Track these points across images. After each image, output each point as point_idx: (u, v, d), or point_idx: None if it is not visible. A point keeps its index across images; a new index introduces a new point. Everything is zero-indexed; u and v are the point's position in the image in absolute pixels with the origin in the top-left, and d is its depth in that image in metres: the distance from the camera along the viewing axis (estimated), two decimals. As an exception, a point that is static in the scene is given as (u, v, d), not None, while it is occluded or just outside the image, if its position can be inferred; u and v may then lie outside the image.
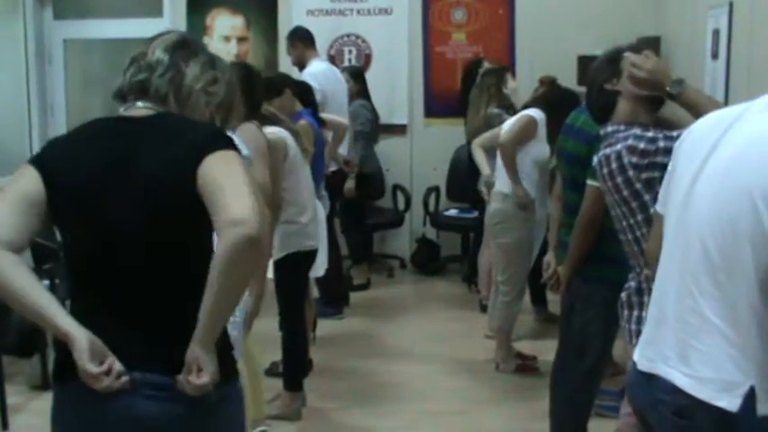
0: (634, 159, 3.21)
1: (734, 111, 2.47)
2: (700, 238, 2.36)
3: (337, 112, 7.23)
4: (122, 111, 2.65)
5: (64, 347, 2.41)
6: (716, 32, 6.46)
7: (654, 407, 2.47)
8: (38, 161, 2.53)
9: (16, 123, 8.63)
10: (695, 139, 2.52)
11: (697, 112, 3.09)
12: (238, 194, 2.37)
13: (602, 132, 3.46)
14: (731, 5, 6.13)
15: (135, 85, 2.65)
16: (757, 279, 2.25)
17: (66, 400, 2.55)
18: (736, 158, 2.32)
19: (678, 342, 2.41)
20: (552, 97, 6.26)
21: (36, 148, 8.74)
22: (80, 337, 2.37)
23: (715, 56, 6.44)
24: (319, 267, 6.03)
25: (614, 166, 3.30)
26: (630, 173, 3.23)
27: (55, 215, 2.49)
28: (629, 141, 3.24)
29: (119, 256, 2.48)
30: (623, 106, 3.40)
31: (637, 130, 3.25)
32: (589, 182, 3.99)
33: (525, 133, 6.03)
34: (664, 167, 3.03)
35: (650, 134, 3.20)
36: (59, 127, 9.24)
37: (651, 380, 2.49)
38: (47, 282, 6.07)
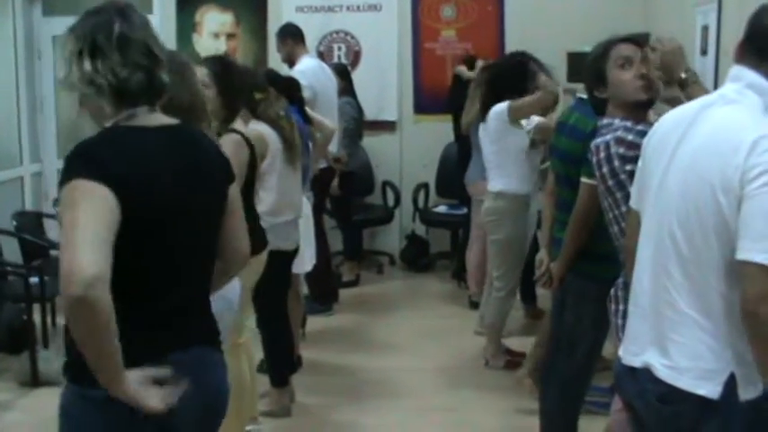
0: (621, 150, 3.26)
1: (694, 106, 2.58)
2: (669, 231, 2.45)
3: (327, 108, 7.21)
4: (141, 117, 2.54)
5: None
6: (705, 28, 6.47)
7: (640, 395, 2.55)
8: (107, 178, 2.33)
9: (5, 119, 8.60)
10: (661, 135, 2.61)
11: None
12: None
13: (598, 124, 3.51)
14: (720, 1, 6.15)
15: (161, 90, 2.60)
16: (724, 268, 2.32)
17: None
18: (698, 152, 2.41)
19: (657, 335, 2.49)
20: (492, 79, 6.36)
21: (26, 145, 8.74)
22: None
23: (704, 52, 6.45)
24: (307, 263, 6.03)
25: (602, 155, 3.34)
26: (616, 163, 3.27)
27: (122, 234, 2.34)
28: (619, 133, 3.30)
29: (182, 266, 2.62)
30: (611, 110, 3.49)
31: (628, 123, 3.30)
32: (583, 179, 3.99)
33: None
34: None
35: (640, 127, 3.23)
36: (48, 123, 9.21)
37: (635, 372, 2.56)
38: (36, 278, 6.07)
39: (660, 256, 2.49)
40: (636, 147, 3.18)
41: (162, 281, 2.56)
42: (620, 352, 2.68)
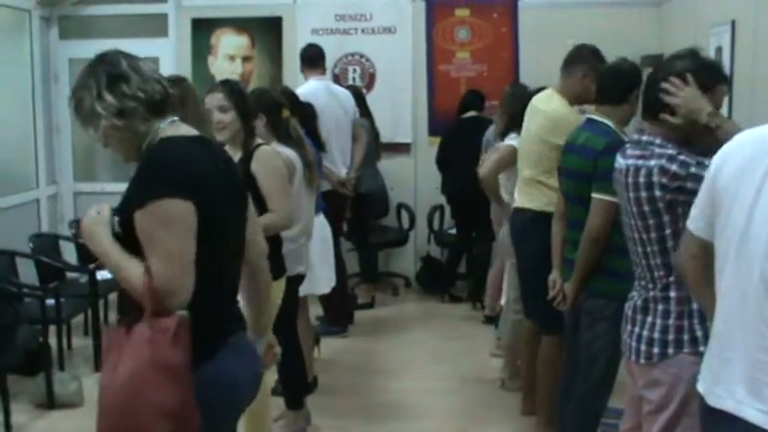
0: (664, 180, 3.20)
1: None
2: (761, 274, 2.35)
3: (328, 130, 7.13)
4: (172, 126, 2.78)
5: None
6: (719, 50, 6.48)
7: None
8: (191, 192, 2.61)
9: (22, 142, 8.66)
10: (740, 165, 2.48)
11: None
12: None
13: (635, 136, 3.44)
14: (734, 23, 6.15)
15: (175, 100, 2.88)
16: None
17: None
18: None
19: (749, 380, 2.40)
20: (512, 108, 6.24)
21: (42, 167, 8.79)
22: None
23: (718, 74, 6.44)
24: (323, 285, 6.05)
25: (642, 180, 3.27)
26: (657, 192, 3.22)
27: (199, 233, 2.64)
28: (663, 162, 3.20)
29: (232, 257, 2.95)
30: (651, 129, 3.36)
31: (672, 151, 3.22)
32: (594, 195, 3.99)
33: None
34: (690, 193, 3.01)
35: (683, 157, 3.18)
36: (65, 146, 9.29)
37: (724, 415, 2.48)
38: (52, 300, 6.08)
39: (751, 300, 2.40)
40: (678, 178, 3.16)
41: (220, 275, 2.83)
42: (703, 391, 2.61)
